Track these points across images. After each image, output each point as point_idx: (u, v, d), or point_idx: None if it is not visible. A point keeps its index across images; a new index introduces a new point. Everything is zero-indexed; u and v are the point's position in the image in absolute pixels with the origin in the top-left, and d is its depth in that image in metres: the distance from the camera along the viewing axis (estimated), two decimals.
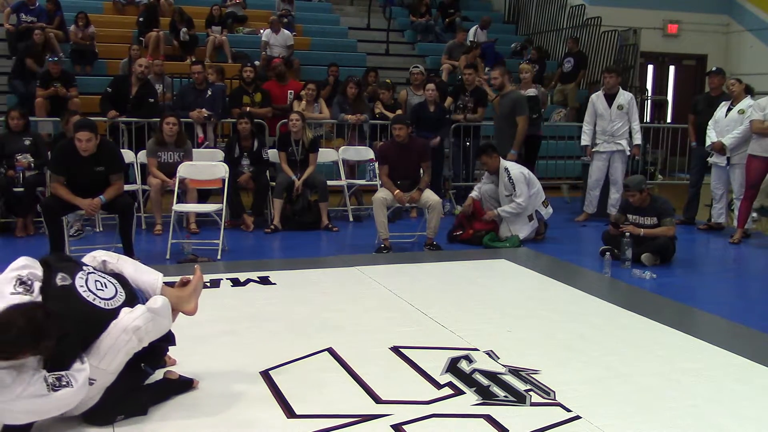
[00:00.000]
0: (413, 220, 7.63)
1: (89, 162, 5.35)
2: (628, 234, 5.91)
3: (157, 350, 3.06)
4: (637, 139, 7.94)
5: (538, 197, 6.98)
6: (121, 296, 2.88)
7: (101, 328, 2.74)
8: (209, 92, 8.22)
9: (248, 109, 8.18)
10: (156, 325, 2.87)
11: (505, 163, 6.94)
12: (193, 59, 10.41)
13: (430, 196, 6.47)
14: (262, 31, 11.85)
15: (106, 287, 2.85)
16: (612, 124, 7.89)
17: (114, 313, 2.79)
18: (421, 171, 6.61)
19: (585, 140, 8.14)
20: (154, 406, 2.98)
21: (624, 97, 7.93)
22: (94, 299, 2.76)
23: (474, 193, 7.13)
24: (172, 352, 3.46)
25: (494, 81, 7.96)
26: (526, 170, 6.99)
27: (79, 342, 2.69)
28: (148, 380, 3.10)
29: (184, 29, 11.27)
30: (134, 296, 2.96)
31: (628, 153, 7.93)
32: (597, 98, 8.07)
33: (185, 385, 3.20)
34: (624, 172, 7.98)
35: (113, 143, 6.69)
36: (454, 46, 12.13)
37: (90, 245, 6.26)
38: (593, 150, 8.06)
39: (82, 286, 2.77)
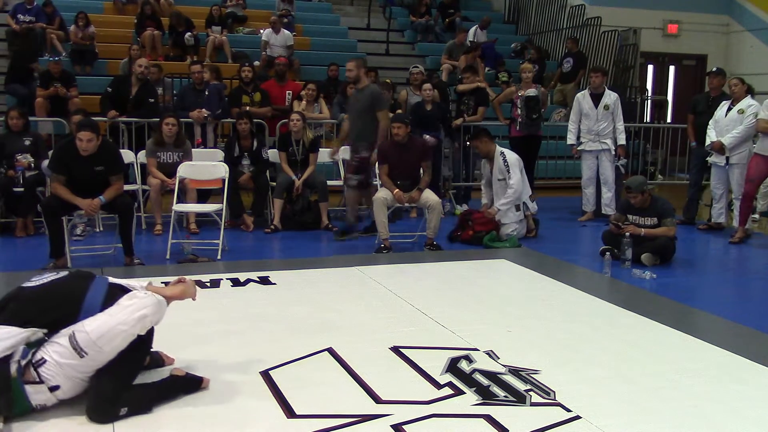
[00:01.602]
0: (413, 219, 7.62)
1: (89, 162, 5.35)
2: (628, 234, 5.91)
3: None
4: (622, 140, 7.98)
5: (526, 186, 7.09)
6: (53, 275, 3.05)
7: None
8: (207, 92, 8.22)
9: (248, 108, 8.18)
10: (158, 316, 3.00)
11: (500, 148, 7.05)
12: (195, 59, 10.41)
13: (429, 196, 6.46)
14: (262, 30, 11.85)
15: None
16: (598, 124, 7.95)
17: (46, 290, 2.96)
18: (421, 171, 6.61)
19: (571, 139, 8.23)
20: (160, 405, 2.97)
21: (610, 97, 7.97)
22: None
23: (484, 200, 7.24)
24: (170, 350, 3.48)
25: (348, 73, 6.99)
26: (518, 157, 7.10)
27: None
28: (154, 379, 3.12)
29: (189, 34, 11.26)
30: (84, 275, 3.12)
31: (613, 152, 7.96)
32: (583, 97, 8.12)
33: (193, 383, 3.18)
34: (614, 171, 8.01)
35: (113, 144, 6.68)
36: (454, 46, 12.13)
37: (90, 245, 6.29)
38: (579, 149, 8.15)
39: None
